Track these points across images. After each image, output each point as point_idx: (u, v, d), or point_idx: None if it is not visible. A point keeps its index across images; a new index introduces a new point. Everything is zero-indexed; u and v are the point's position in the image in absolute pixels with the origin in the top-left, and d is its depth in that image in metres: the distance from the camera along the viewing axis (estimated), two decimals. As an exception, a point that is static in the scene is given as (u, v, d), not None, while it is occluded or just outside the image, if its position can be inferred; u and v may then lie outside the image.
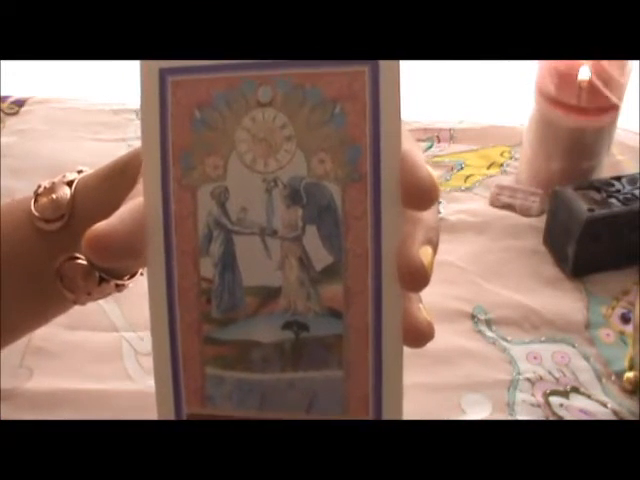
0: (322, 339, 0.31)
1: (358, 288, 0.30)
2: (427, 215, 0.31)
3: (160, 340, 0.31)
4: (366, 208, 0.30)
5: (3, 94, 0.91)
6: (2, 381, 0.59)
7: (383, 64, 0.29)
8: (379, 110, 0.29)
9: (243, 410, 0.31)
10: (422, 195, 0.30)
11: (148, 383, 0.59)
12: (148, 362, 0.61)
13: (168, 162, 0.30)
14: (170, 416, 0.32)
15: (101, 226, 0.30)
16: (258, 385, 0.31)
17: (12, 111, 0.89)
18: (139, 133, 0.31)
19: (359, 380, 0.31)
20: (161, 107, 0.30)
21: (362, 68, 0.30)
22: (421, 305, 0.31)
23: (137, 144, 0.33)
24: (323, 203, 0.30)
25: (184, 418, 0.32)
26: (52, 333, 0.62)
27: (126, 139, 0.84)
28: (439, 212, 0.75)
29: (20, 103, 0.90)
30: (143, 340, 0.63)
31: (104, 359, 0.62)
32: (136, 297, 0.46)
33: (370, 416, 0.31)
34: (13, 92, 0.92)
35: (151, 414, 0.32)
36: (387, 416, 0.31)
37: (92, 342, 0.63)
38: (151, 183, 0.31)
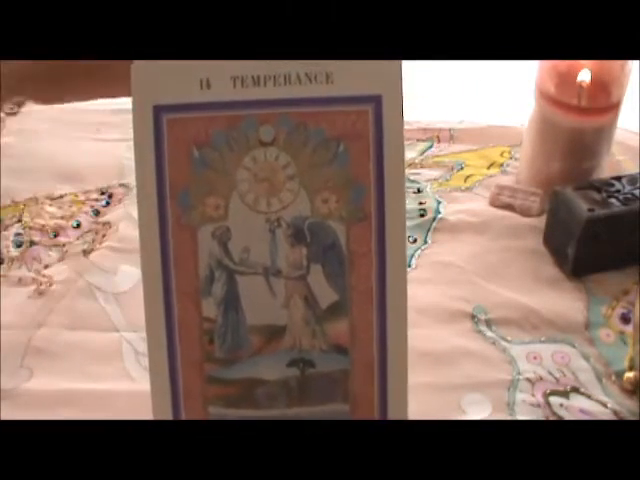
0: (328, 375, 0.31)
1: (363, 324, 0.30)
2: None
3: (160, 380, 0.31)
4: (370, 246, 0.30)
5: (3, 94, 0.91)
6: (2, 381, 0.59)
7: (386, 103, 0.29)
8: (382, 149, 0.29)
9: None
10: None
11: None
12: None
13: (165, 201, 0.30)
14: None
15: None
16: None
17: (12, 111, 0.89)
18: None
19: (365, 413, 0.31)
20: (156, 145, 0.30)
21: (366, 107, 0.29)
22: None
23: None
24: (327, 242, 0.30)
25: None
26: (52, 333, 0.62)
27: (126, 139, 0.84)
28: (439, 212, 0.75)
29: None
30: (144, 340, 0.63)
31: (104, 359, 0.61)
32: (137, 298, 0.46)
33: None
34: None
35: (151, 414, 0.32)
36: None
37: (92, 342, 0.63)
38: (147, 223, 0.30)
